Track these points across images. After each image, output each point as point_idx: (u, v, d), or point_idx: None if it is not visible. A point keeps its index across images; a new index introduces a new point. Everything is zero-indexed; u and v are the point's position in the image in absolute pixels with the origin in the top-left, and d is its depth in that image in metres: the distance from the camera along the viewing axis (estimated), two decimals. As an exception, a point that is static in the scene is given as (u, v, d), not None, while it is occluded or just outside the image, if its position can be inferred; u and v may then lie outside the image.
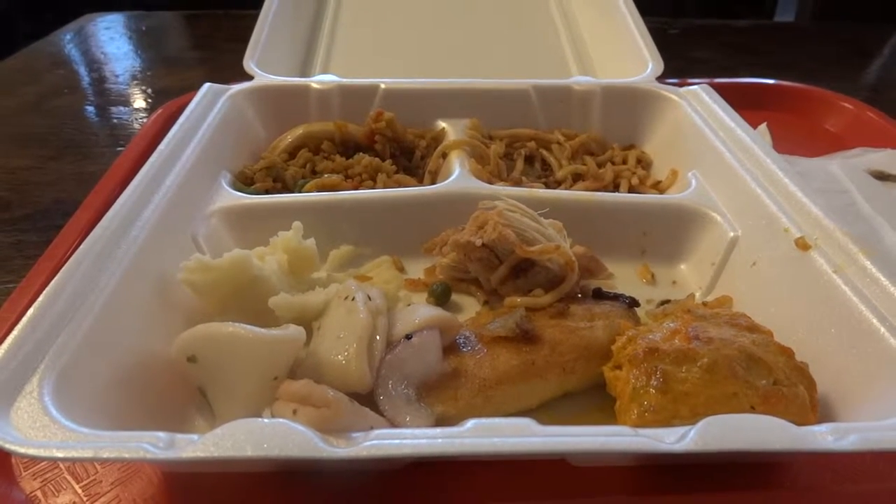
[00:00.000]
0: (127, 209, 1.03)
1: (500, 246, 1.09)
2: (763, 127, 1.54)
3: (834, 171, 1.54)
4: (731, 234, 1.16)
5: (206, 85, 1.44)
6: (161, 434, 0.68)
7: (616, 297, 1.07)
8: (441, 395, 0.87)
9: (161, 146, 1.22)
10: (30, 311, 0.80)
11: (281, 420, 0.66)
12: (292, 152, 1.44)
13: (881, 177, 1.52)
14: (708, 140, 1.34)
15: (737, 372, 0.82)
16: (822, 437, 0.66)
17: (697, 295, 1.17)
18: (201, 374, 0.88)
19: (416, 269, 1.24)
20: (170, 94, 2.02)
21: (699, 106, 1.45)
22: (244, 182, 1.34)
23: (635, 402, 0.81)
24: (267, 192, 1.31)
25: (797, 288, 0.99)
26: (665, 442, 0.66)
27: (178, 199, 1.13)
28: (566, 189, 1.37)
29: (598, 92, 1.56)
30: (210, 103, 1.40)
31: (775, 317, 1.00)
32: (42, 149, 1.70)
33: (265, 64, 1.60)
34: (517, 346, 0.93)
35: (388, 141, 1.44)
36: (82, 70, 2.21)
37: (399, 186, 1.33)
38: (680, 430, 0.68)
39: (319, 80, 1.55)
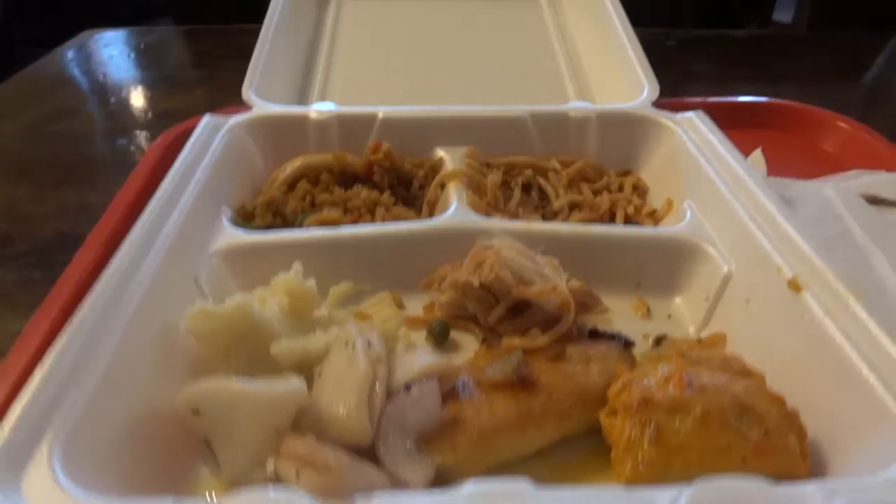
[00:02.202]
0: (129, 258, 1.05)
1: (497, 286, 1.10)
2: (758, 153, 1.55)
3: (828, 195, 1.55)
4: (725, 268, 1.17)
5: (206, 118, 1.46)
6: (168, 501, 0.70)
7: (612, 338, 1.09)
8: (440, 444, 0.89)
9: (163, 185, 1.24)
10: (36, 377, 0.82)
11: (285, 494, 0.68)
12: (291, 184, 1.46)
13: (874, 201, 1.53)
14: (702, 170, 1.36)
15: (729, 422, 0.83)
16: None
17: (692, 330, 1.19)
18: (206, 427, 0.90)
19: (416, 304, 1.25)
20: (171, 117, 2.03)
21: (694, 133, 1.47)
22: (244, 217, 1.36)
23: (630, 453, 0.83)
24: (267, 227, 1.32)
25: (790, 330, 1.00)
26: (657, 510, 0.68)
27: (181, 242, 1.15)
28: (563, 220, 1.39)
29: (594, 118, 1.57)
30: (209, 137, 1.42)
31: (768, 357, 1.02)
32: (42, 177, 1.71)
33: (264, 91, 1.61)
34: (514, 392, 0.95)
35: (385, 172, 1.46)
36: (83, 92, 2.23)
37: (397, 220, 1.35)
38: (672, 492, 0.70)
39: (318, 109, 1.56)
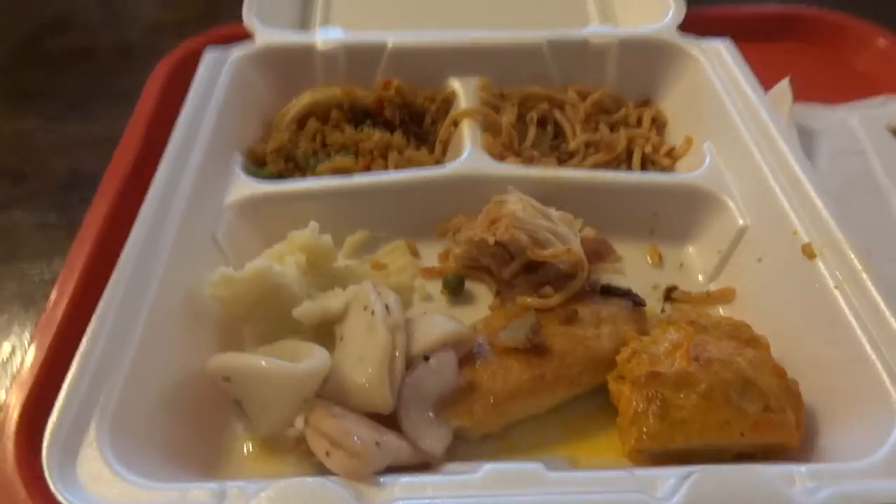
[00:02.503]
0: (149, 224, 1.06)
1: (513, 245, 1.12)
2: (785, 84, 1.48)
3: (853, 127, 1.51)
4: (741, 222, 1.17)
5: (208, 53, 1.40)
6: (212, 486, 0.76)
7: (623, 295, 1.11)
8: (457, 409, 0.95)
9: (173, 135, 1.22)
10: (76, 359, 0.86)
11: (320, 483, 0.75)
12: (301, 122, 1.42)
13: (901, 134, 1.49)
14: (726, 109, 1.31)
15: (731, 398, 0.88)
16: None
17: (702, 279, 1.22)
18: (237, 391, 0.96)
19: (430, 252, 1.28)
20: (164, 30, 1.95)
21: (719, 65, 1.40)
22: (255, 162, 1.34)
23: (635, 425, 0.89)
24: (280, 173, 1.31)
25: (798, 295, 1.02)
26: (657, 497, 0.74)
27: (197, 199, 1.15)
28: (578, 161, 1.37)
29: (615, 44, 1.49)
30: (213, 75, 1.37)
31: (775, 319, 1.05)
32: (43, 106, 1.67)
33: (265, 15, 1.52)
34: (528, 358, 0.99)
35: (397, 108, 1.42)
36: (72, 6, 2.10)
37: (411, 164, 1.33)
38: (673, 478, 0.76)
39: (324, 37, 1.49)
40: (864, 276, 0.95)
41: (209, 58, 1.39)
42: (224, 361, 0.93)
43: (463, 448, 0.95)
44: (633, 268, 1.24)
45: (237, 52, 1.43)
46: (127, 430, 0.85)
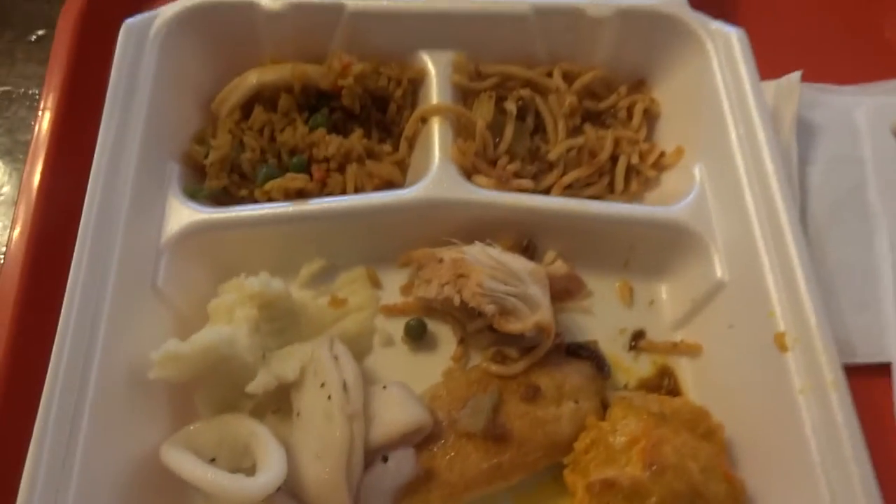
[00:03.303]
0: (81, 285, 0.96)
1: (479, 308, 1.05)
2: (796, 78, 1.31)
3: (858, 124, 1.39)
4: (719, 275, 1.11)
5: (125, 25, 1.15)
6: None
7: (588, 357, 1.09)
8: (414, 499, 0.97)
9: (98, 153, 1.05)
10: (25, 472, 0.83)
11: None
12: (245, 107, 1.23)
13: (907, 134, 1.38)
14: (724, 124, 1.17)
15: (679, 512, 0.91)
16: None
17: (670, 322, 1.19)
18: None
19: (392, 280, 1.20)
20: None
21: (727, 60, 1.22)
22: (194, 167, 1.18)
23: (585, 533, 0.93)
24: (224, 189, 1.17)
25: (761, 384, 1.01)
26: None
27: (130, 237, 1.03)
28: (557, 176, 1.24)
29: (614, 15, 1.27)
30: (136, 52, 1.15)
31: (735, 399, 1.05)
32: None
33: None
34: (486, 445, 0.99)
35: (356, 97, 1.23)
36: None
37: (372, 178, 1.19)
38: None
39: (267, -6, 1.23)
40: (832, 391, 0.93)
41: (128, 31, 1.15)
42: (174, 464, 0.91)
43: (417, 522, 0.99)
44: (603, 305, 1.20)
45: (163, 16, 1.18)
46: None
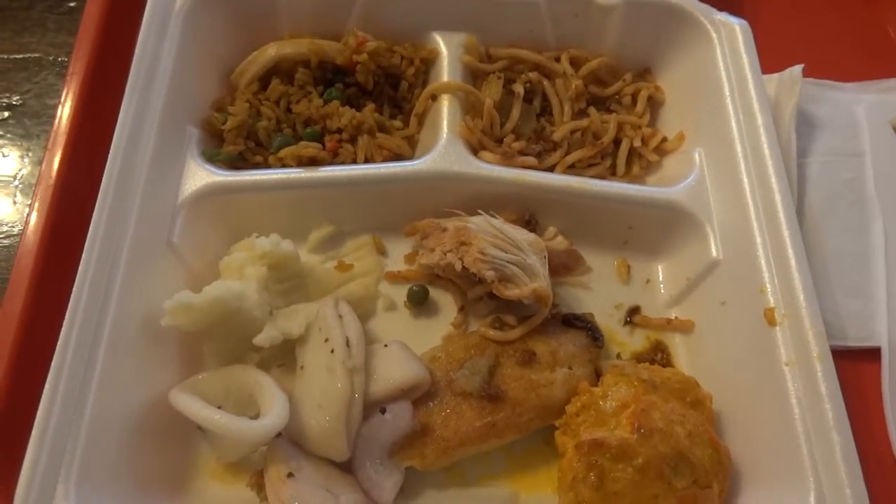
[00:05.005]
0: (101, 235, 1.01)
1: (479, 275, 1.09)
2: (797, 72, 1.34)
3: (858, 119, 1.42)
4: (714, 254, 1.15)
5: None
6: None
7: (583, 328, 1.12)
8: (410, 452, 1.01)
9: (123, 115, 1.10)
10: (40, 410, 0.88)
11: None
12: (264, 79, 1.29)
13: (905, 130, 1.41)
14: (725, 112, 1.21)
15: (664, 473, 0.94)
16: None
17: (665, 300, 1.22)
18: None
19: (397, 249, 1.25)
20: None
21: (730, 51, 1.26)
22: (212, 134, 1.23)
23: (573, 490, 0.96)
24: (239, 154, 1.22)
25: (750, 357, 1.05)
26: None
27: (150, 196, 1.08)
28: (561, 155, 1.28)
29: (621, 6, 1.32)
30: (162, 23, 1.20)
31: (723, 371, 1.09)
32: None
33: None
34: (481, 404, 1.03)
35: (370, 73, 1.28)
36: None
37: (382, 150, 1.24)
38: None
39: (289, -28, 1.28)
40: (817, 364, 0.97)
41: (154, 4, 1.20)
42: (182, 406, 0.96)
43: (411, 477, 1.02)
44: (601, 281, 1.24)
45: (187, -9, 1.24)
46: (94, 475, 0.89)
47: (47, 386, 0.90)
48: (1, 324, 1.03)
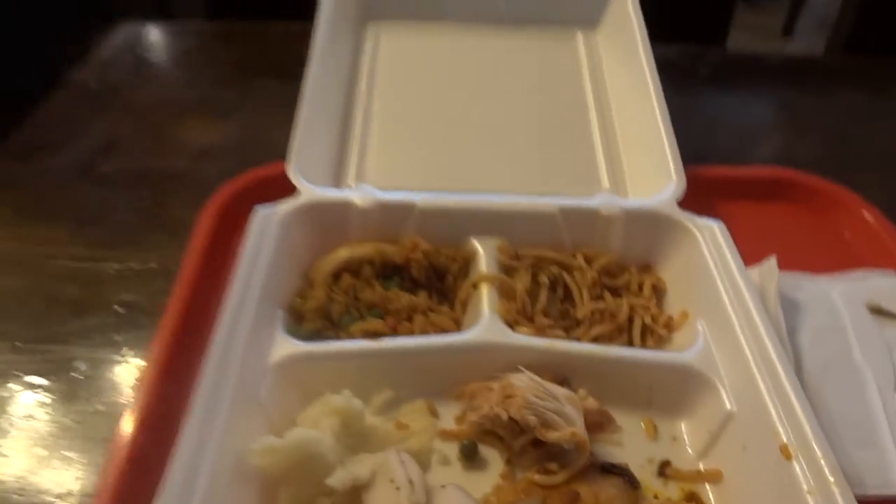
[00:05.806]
0: (209, 392, 1.20)
1: (523, 423, 1.25)
2: (772, 262, 1.63)
3: (835, 302, 1.66)
4: (728, 407, 1.31)
5: (258, 212, 1.56)
6: None
7: (620, 474, 1.24)
8: (469, 589, 1.07)
9: (229, 297, 1.37)
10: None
11: None
12: (335, 275, 1.58)
13: (878, 312, 1.64)
14: (717, 290, 1.46)
15: None
16: None
17: (693, 455, 1.35)
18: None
19: (448, 411, 1.41)
20: (210, 157, 2.13)
21: (714, 246, 1.55)
22: (295, 315, 1.49)
23: None
24: (317, 330, 1.46)
25: (777, 492, 1.15)
26: None
27: (247, 361, 1.29)
28: (585, 330, 1.52)
29: (622, 215, 1.66)
30: (262, 232, 1.53)
31: (755, 511, 1.18)
32: (96, 232, 1.84)
33: (306, 169, 1.69)
34: (532, 544, 1.12)
35: (423, 268, 1.58)
36: (122, 119, 2.29)
37: (434, 327, 1.48)
38: None
39: (360, 195, 1.65)
40: (835, 489, 1.08)
41: (259, 216, 1.55)
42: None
43: None
44: (631, 439, 1.37)
45: (283, 208, 1.60)
46: None
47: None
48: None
